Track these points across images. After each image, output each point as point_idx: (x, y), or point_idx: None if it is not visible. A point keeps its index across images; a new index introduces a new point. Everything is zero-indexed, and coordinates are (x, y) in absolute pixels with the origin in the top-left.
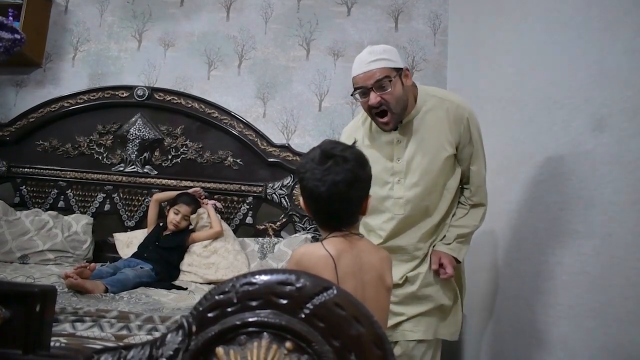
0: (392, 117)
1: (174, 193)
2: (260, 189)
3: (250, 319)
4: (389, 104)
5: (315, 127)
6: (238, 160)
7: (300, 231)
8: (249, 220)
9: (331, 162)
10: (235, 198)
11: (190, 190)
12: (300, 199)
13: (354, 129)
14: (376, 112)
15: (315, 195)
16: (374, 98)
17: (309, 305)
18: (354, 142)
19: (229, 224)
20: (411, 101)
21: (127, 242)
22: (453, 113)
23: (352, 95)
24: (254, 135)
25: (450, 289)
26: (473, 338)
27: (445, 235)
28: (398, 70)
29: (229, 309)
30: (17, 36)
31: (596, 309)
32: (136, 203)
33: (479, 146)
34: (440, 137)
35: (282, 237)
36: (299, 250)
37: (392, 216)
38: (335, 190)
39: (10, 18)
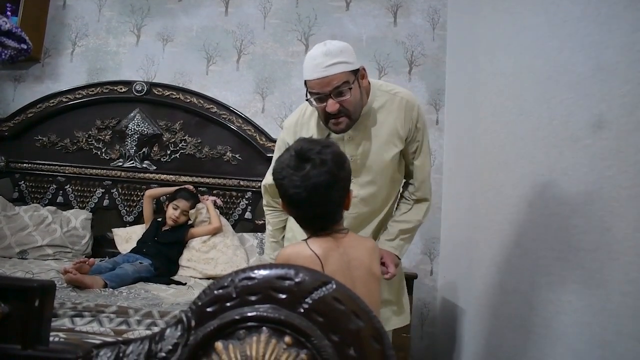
0: (348, 122)
1: (167, 189)
2: (259, 184)
3: (249, 314)
4: (348, 110)
5: None
6: (237, 156)
7: None
8: (248, 215)
9: (309, 166)
10: (234, 193)
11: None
12: (280, 201)
13: (300, 125)
14: (332, 117)
15: (296, 202)
16: (332, 105)
17: (308, 299)
18: (328, 136)
19: (228, 219)
20: (364, 98)
21: (126, 238)
22: (404, 108)
23: (307, 99)
24: (253, 131)
25: (391, 283)
26: (472, 333)
27: (387, 230)
28: (355, 72)
29: (228, 304)
30: (24, 46)
31: (594, 304)
32: (135, 198)
33: (425, 141)
34: (392, 134)
35: None
36: (285, 252)
37: (346, 214)
38: (316, 195)
39: (9, 13)
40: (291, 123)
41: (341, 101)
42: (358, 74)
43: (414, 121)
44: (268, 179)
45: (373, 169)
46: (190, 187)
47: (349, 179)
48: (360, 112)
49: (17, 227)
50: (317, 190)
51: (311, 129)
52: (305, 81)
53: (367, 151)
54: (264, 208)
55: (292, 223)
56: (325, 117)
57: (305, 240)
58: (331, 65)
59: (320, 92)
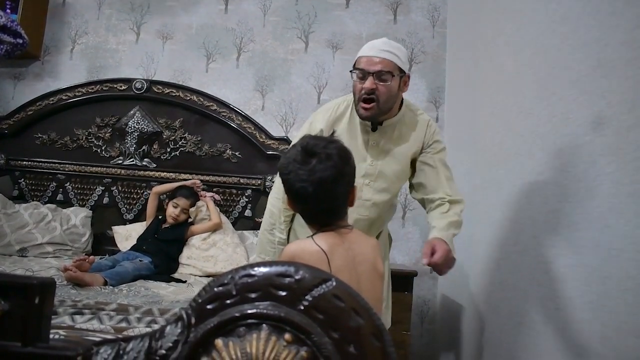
0: (376, 108)
1: (174, 185)
2: (259, 182)
3: (249, 311)
4: (380, 95)
5: None
6: (237, 153)
7: None
8: (247, 213)
9: (315, 160)
10: (234, 191)
11: (188, 182)
12: (285, 197)
13: (334, 119)
14: (364, 98)
15: (303, 197)
16: (370, 83)
17: (308, 297)
18: (333, 133)
19: (228, 217)
20: (395, 108)
21: (126, 235)
22: (425, 129)
23: (351, 71)
24: (253, 128)
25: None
26: (471, 330)
27: (435, 226)
28: (401, 71)
29: (228, 301)
30: (20, 40)
31: (594, 301)
32: (135, 196)
33: (444, 154)
34: (409, 149)
35: None
36: (290, 247)
37: (358, 217)
38: (322, 189)
39: (8, 11)
40: (325, 114)
41: (379, 84)
42: (403, 76)
43: (432, 136)
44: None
45: (389, 177)
46: (198, 181)
47: (354, 174)
48: (389, 109)
49: (17, 224)
50: (323, 185)
51: (341, 125)
52: (357, 58)
53: (387, 159)
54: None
55: (294, 224)
56: (359, 98)
57: (311, 236)
58: (386, 51)
59: (365, 68)
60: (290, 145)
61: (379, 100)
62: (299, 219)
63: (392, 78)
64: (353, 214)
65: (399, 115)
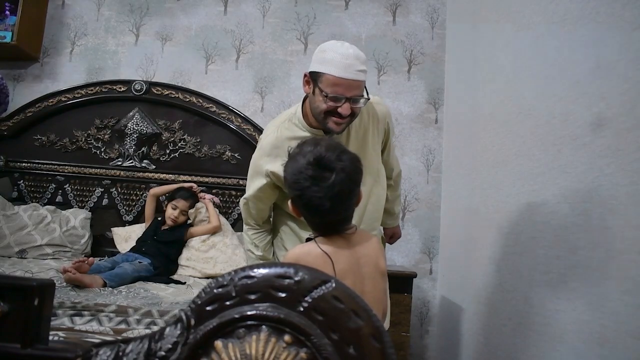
0: (349, 121)
1: (171, 187)
2: None
3: (249, 313)
4: (354, 115)
5: None
6: (236, 155)
7: None
8: None
9: (333, 176)
10: (234, 192)
11: (185, 185)
12: (290, 206)
13: (287, 137)
14: (335, 116)
15: (319, 211)
16: (347, 109)
17: (307, 298)
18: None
19: (227, 219)
20: None
21: (125, 237)
22: (377, 114)
23: (325, 95)
24: (252, 130)
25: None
26: (471, 332)
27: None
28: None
29: (228, 303)
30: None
31: (594, 302)
32: (134, 197)
33: (393, 137)
34: (374, 140)
35: None
36: (294, 251)
37: (365, 221)
38: (339, 203)
39: (7, 12)
40: (278, 136)
41: (354, 107)
42: (365, 86)
43: (387, 123)
44: (249, 192)
45: (368, 177)
46: (194, 185)
47: (361, 179)
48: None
49: (17, 226)
50: (341, 199)
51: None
52: (319, 73)
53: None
54: (246, 232)
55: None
56: (326, 114)
57: (314, 239)
58: (361, 71)
59: (343, 94)
60: (292, 152)
61: (353, 116)
62: (284, 227)
63: (365, 97)
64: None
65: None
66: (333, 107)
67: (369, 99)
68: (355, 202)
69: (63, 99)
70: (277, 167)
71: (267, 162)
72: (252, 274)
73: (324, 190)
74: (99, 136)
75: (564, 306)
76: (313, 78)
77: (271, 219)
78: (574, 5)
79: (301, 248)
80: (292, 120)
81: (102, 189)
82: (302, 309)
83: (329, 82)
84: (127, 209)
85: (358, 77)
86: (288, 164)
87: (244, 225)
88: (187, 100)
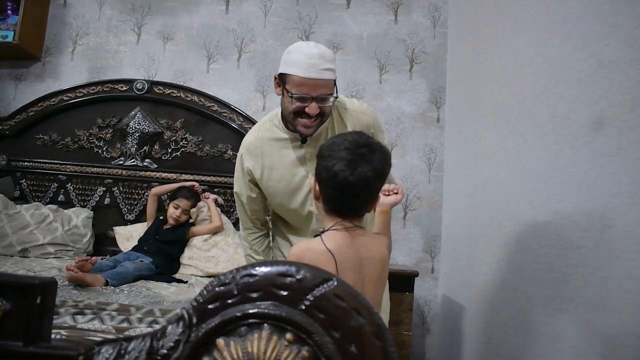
0: (319, 123)
1: (172, 186)
2: None
3: (251, 311)
4: (323, 115)
5: None
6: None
7: None
8: None
9: (365, 150)
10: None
11: (187, 184)
12: (312, 181)
13: (267, 137)
14: (303, 117)
15: (338, 181)
16: (315, 108)
17: (309, 296)
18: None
19: (228, 217)
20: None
21: (127, 236)
22: (362, 125)
23: (290, 96)
24: None
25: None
26: (472, 330)
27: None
28: (334, 81)
29: (230, 301)
30: None
31: (595, 302)
32: (136, 197)
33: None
34: None
35: None
36: (298, 247)
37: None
38: (363, 179)
39: (9, 12)
40: (248, 144)
41: (322, 106)
42: (336, 84)
43: (372, 134)
44: (240, 186)
45: None
46: (196, 184)
47: (384, 182)
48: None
49: (19, 225)
50: (365, 175)
51: (272, 156)
52: (285, 74)
53: None
54: (246, 239)
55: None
56: (295, 115)
57: (320, 234)
58: (326, 69)
59: (307, 93)
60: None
61: (323, 119)
62: (280, 230)
63: (334, 95)
64: (313, 226)
65: (328, 118)
66: (300, 107)
67: (337, 97)
68: (375, 194)
69: (65, 98)
70: (254, 165)
71: (247, 159)
72: (254, 272)
73: (351, 158)
74: (101, 135)
75: (565, 305)
76: (281, 80)
77: (269, 221)
78: (576, 4)
79: (306, 244)
80: (273, 121)
81: (104, 188)
82: (303, 307)
83: (294, 82)
84: (129, 208)
85: (322, 75)
86: (331, 141)
87: (242, 232)
88: (189, 99)
